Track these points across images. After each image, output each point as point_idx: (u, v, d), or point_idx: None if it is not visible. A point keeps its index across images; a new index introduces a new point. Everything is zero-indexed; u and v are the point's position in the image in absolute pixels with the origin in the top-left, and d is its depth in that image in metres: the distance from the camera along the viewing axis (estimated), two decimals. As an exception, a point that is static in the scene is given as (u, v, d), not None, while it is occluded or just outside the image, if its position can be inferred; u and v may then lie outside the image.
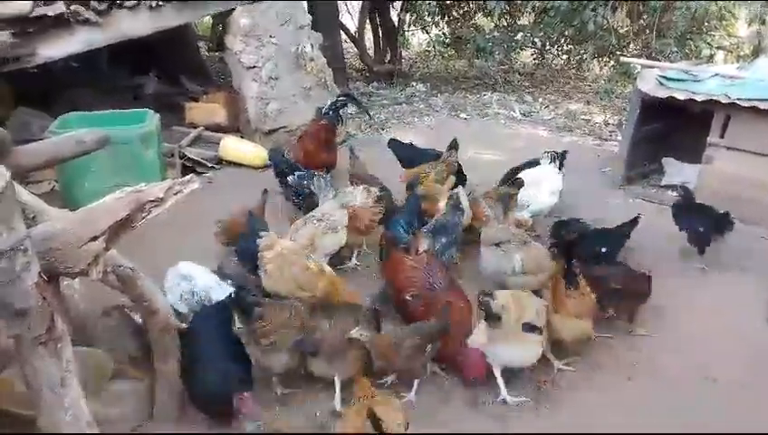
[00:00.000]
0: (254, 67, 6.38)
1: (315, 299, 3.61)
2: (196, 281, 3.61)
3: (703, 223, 4.48)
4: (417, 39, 12.42)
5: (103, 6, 5.33)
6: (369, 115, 6.56)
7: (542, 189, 4.81)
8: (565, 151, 5.09)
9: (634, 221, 4.40)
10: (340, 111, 5.88)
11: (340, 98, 5.93)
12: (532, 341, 3.22)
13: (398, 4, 10.87)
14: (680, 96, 5.28)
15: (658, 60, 7.56)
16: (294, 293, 3.62)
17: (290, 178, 4.96)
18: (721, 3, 8.99)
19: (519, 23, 10.15)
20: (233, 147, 6.26)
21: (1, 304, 1.73)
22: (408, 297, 3.54)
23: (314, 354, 3.18)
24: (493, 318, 3.16)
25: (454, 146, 5.12)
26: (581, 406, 3.20)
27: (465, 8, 10.74)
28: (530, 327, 3.21)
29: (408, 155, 5.47)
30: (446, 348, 3.29)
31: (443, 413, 3.15)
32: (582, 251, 3.79)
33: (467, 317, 3.45)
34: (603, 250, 4.14)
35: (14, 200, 1.70)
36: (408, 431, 2.68)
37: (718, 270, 4.48)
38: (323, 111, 5.78)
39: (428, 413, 3.13)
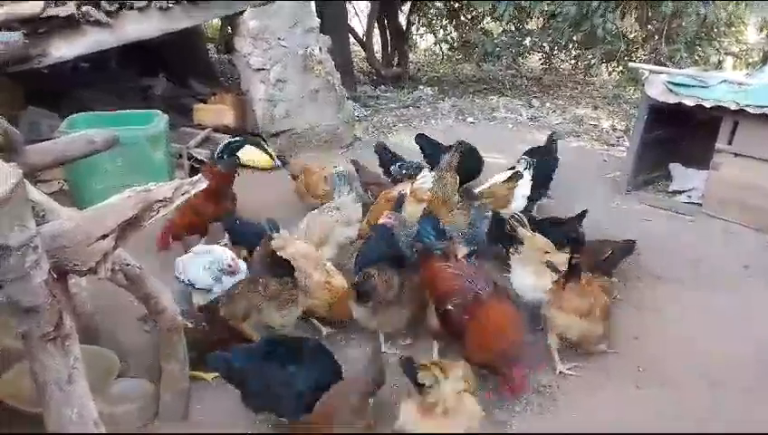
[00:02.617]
0: (263, 69, 6.41)
1: (318, 307, 3.63)
2: (213, 252, 3.79)
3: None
4: (425, 43, 12.44)
5: (113, 8, 5.37)
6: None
7: (517, 193, 4.87)
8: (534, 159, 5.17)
9: (581, 215, 4.45)
10: (238, 153, 4.86)
11: (236, 139, 4.92)
12: (546, 275, 3.59)
13: (406, 8, 10.90)
14: (688, 102, 5.26)
15: (667, 65, 7.54)
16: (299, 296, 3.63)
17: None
18: (731, 9, 8.96)
19: (527, 27, 10.15)
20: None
21: (10, 301, 1.74)
22: (449, 307, 3.27)
23: (366, 300, 3.37)
24: (517, 242, 3.76)
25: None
26: (586, 410, 3.19)
27: (474, 12, 10.75)
28: (553, 267, 3.60)
29: (432, 151, 5.56)
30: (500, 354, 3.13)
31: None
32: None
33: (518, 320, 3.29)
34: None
35: (25, 198, 1.72)
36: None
37: (725, 276, 4.47)
38: (216, 154, 4.71)
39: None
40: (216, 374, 3.24)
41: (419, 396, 2.64)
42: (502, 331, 3.15)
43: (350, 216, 4.27)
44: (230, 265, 3.73)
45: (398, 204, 4.28)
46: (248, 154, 6.23)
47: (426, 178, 4.78)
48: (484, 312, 3.19)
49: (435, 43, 11.68)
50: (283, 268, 3.43)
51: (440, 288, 3.38)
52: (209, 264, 3.71)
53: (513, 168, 5.09)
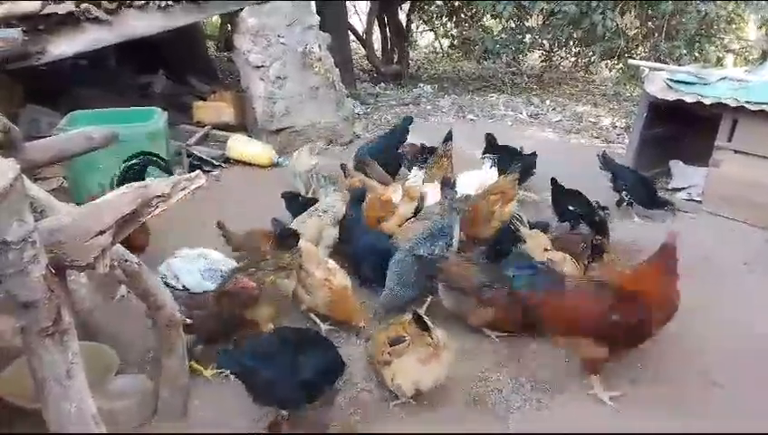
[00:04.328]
0: (262, 67, 6.41)
1: (319, 306, 3.64)
2: (207, 257, 3.83)
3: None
4: (424, 40, 12.45)
5: (113, 5, 5.37)
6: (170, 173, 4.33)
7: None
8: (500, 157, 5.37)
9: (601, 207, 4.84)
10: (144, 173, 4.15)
11: (134, 163, 4.21)
12: None
13: (406, 6, 10.90)
14: (688, 99, 5.26)
15: (667, 63, 7.54)
16: (302, 295, 3.64)
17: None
18: (731, 7, 8.97)
19: (527, 24, 10.15)
20: (240, 146, 6.29)
21: (9, 296, 1.75)
22: (614, 318, 3.02)
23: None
24: (519, 241, 3.85)
25: (448, 138, 5.30)
26: (584, 406, 3.19)
27: (474, 10, 10.76)
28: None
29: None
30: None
31: (443, 412, 3.15)
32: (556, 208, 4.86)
33: None
34: (571, 208, 4.80)
35: (24, 193, 1.72)
36: (406, 431, 2.71)
37: (726, 273, 4.46)
38: (117, 182, 4.04)
39: (429, 412, 3.14)
40: (216, 370, 3.26)
41: (421, 346, 2.99)
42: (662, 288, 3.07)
43: (337, 215, 4.29)
44: (229, 269, 3.77)
45: (356, 199, 4.28)
46: (245, 150, 6.25)
47: (417, 177, 4.78)
48: (643, 289, 3.05)
49: (432, 37, 11.66)
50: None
51: (583, 317, 3.09)
52: (207, 271, 3.74)
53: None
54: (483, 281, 3.61)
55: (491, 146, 5.93)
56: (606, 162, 5.46)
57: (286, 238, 3.59)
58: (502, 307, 3.56)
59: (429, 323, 3.01)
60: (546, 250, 3.90)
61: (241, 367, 2.93)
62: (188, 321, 2.95)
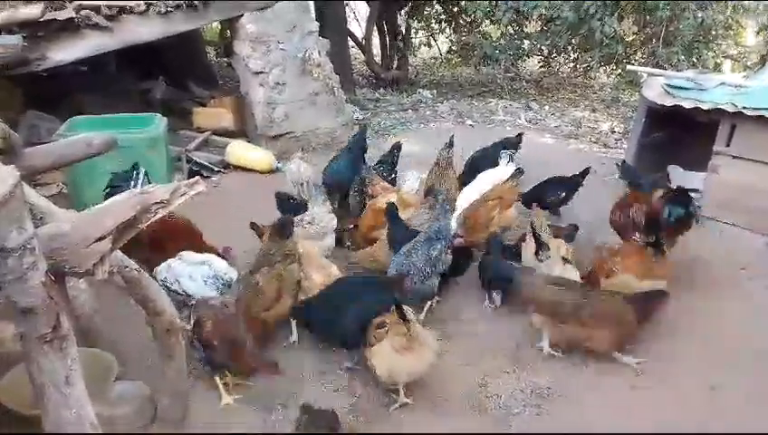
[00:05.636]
0: (262, 72, 6.43)
1: None
2: (210, 264, 3.79)
3: None
4: (423, 46, 12.47)
5: (113, 11, 5.39)
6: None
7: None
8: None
9: (585, 171, 5.18)
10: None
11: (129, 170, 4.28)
12: (573, 271, 3.88)
13: (405, 11, 10.92)
14: (686, 105, 5.27)
15: (665, 68, 7.56)
16: (300, 297, 3.64)
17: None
18: (729, 12, 8.99)
19: (526, 30, 10.18)
20: (240, 151, 6.30)
21: (8, 302, 1.75)
22: None
23: None
24: (543, 247, 3.93)
25: (450, 145, 5.24)
26: (583, 412, 3.19)
27: (473, 15, 10.78)
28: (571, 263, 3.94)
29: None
30: None
31: (442, 417, 3.15)
32: (544, 196, 5.00)
33: None
34: (562, 195, 5.13)
35: (23, 200, 1.72)
36: (406, 431, 2.70)
37: (724, 278, 4.47)
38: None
39: (429, 412, 3.14)
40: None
41: (396, 334, 3.07)
42: None
43: (324, 227, 4.29)
44: (231, 279, 3.76)
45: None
46: (244, 156, 6.26)
47: (411, 181, 4.74)
48: None
49: (430, 39, 11.64)
50: (289, 227, 3.76)
51: None
52: (210, 279, 3.71)
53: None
54: (576, 301, 3.52)
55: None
56: (625, 171, 5.37)
57: (285, 227, 3.71)
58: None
59: (408, 314, 3.08)
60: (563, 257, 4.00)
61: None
62: (188, 327, 2.95)
